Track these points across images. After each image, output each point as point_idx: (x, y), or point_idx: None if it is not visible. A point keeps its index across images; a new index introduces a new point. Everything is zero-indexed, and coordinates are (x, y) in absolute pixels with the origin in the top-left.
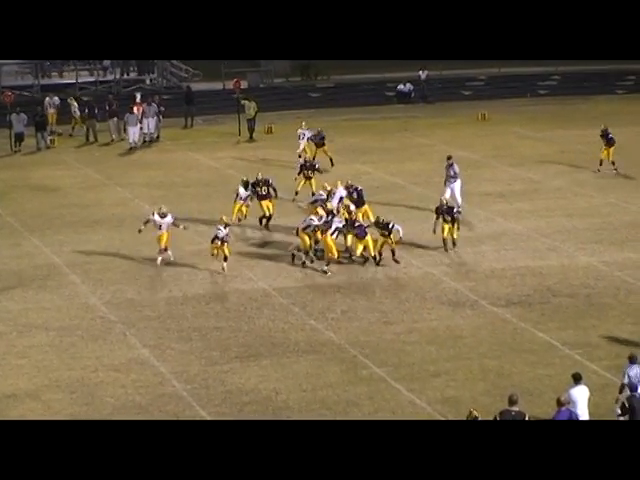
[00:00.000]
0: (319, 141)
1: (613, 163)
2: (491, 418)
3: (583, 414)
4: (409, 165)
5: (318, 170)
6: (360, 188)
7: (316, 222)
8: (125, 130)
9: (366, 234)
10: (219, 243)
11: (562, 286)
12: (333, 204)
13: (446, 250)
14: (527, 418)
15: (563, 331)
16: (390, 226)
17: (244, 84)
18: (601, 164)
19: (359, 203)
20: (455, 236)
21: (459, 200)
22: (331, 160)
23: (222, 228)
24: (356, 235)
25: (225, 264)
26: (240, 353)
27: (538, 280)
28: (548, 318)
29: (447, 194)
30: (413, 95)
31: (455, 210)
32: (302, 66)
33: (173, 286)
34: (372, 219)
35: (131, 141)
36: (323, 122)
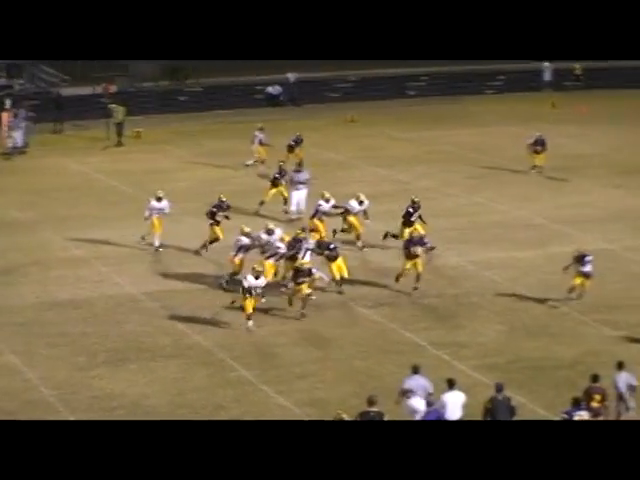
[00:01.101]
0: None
1: (535, 167)
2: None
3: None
4: None
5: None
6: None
7: (283, 250)
8: None
9: (338, 255)
10: (248, 295)
11: (430, 286)
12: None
13: None
14: (385, 418)
15: (431, 331)
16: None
17: (113, 88)
18: (534, 168)
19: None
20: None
21: (302, 207)
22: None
23: (243, 238)
24: (327, 257)
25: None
26: (108, 358)
27: (406, 281)
28: (416, 319)
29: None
30: (282, 97)
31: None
32: (171, 69)
33: (40, 292)
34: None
35: (12, 145)
36: (192, 126)
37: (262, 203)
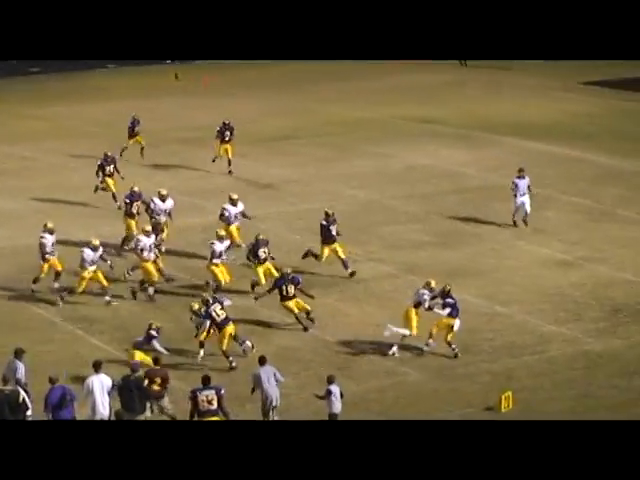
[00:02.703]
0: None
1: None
2: None
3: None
4: None
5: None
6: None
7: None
8: None
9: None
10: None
11: (63, 261)
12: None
13: None
14: (21, 397)
15: (63, 306)
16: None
17: None
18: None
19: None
20: None
21: None
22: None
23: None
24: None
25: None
26: None
27: (38, 256)
28: (46, 294)
29: None
30: None
31: None
32: None
33: None
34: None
35: None
36: None
37: None
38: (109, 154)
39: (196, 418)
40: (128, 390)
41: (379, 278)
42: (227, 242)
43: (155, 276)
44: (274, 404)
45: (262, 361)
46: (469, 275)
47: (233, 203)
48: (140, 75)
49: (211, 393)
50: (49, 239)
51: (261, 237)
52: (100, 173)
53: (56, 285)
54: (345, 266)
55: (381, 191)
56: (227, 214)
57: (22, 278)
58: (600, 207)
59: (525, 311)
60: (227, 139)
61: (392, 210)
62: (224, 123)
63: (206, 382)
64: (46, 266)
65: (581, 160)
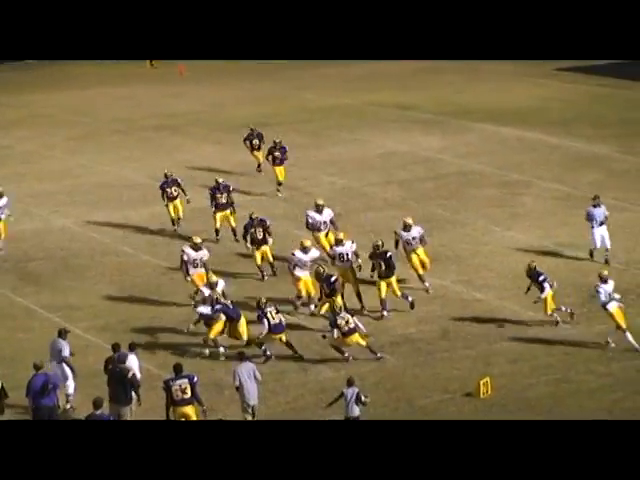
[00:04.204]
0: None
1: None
2: None
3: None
4: None
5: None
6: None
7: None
8: None
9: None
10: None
11: (37, 250)
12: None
13: None
14: (0, 384)
15: (40, 294)
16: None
17: None
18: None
19: None
20: None
21: None
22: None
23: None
24: None
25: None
26: None
27: (15, 245)
28: (25, 283)
29: None
30: None
31: None
32: None
33: None
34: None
35: None
36: None
37: None
38: (168, 173)
39: (171, 408)
40: (114, 381)
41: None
42: (314, 252)
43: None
44: (252, 403)
45: (241, 357)
46: (446, 261)
47: (318, 210)
48: (116, 63)
49: (184, 382)
50: None
51: (255, 216)
52: (165, 197)
53: None
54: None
55: (358, 178)
56: (311, 221)
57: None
58: (577, 193)
59: (502, 297)
60: (257, 147)
61: (370, 197)
62: (251, 130)
63: (178, 371)
64: None
65: (557, 146)
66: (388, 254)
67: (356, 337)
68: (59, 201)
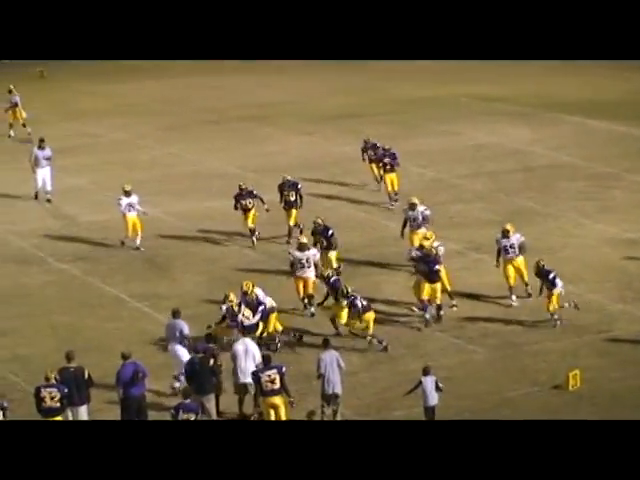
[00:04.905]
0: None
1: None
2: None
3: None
4: None
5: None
6: None
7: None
8: None
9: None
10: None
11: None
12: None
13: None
14: (86, 373)
15: (130, 284)
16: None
17: None
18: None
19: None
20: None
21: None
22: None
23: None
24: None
25: None
26: None
27: (104, 234)
28: (114, 272)
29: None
30: None
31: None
32: None
33: None
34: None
35: None
36: None
37: None
38: (243, 185)
39: (260, 398)
40: (198, 371)
41: (446, 257)
42: (312, 251)
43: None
44: (333, 391)
45: (326, 344)
46: (535, 254)
47: (412, 208)
48: None
49: (273, 372)
50: (124, 201)
51: (244, 186)
52: (239, 208)
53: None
54: None
55: (447, 169)
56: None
57: (90, 255)
58: None
59: (591, 289)
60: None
61: (458, 188)
62: (365, 141)
63: (267, 361)
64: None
65: None
66: (330, 231)
67: (372, 315)
68: (149, 190)
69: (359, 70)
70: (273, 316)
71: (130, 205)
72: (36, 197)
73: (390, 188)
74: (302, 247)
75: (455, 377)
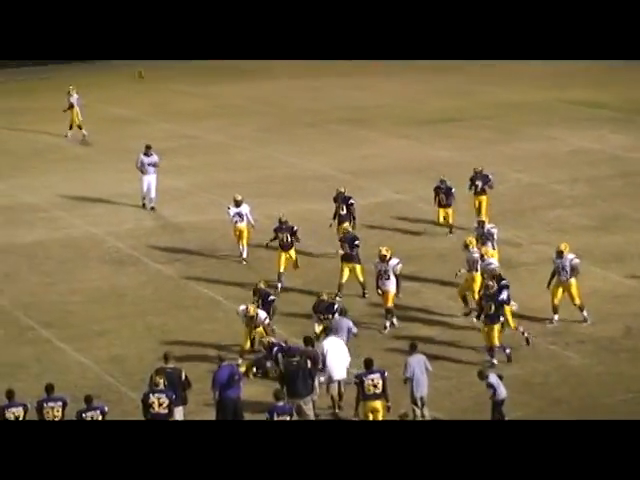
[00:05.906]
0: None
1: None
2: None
3: None
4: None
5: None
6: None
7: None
8: None
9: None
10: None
11: (224, 241)
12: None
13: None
14: (183, 374)
15: (225, 285)
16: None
17: None
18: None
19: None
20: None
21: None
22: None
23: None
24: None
25: None
26: None
27: (200, 235)
28: (210, 273)
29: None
30: None
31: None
32: None
33: None
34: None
35: None
36: None
37: None
38: (284, 220)
39: (361, 401)
40: (294, 374)
41: (543, 262)
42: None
43: None
44: (420, 394)
45: (413, 348)
46: (632, 260)
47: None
48: None
49: (376, 377)
50: (232, 210)
51: (343, 190)
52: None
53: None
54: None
55: (545, 175)
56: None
57: (186, 257)
58: None
59: None
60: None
61: (556, 194)
62: (441, 181)
63: (369, 365)
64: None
65: None
66: (294, 228)
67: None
68: (246, 192)
69: (454, 73)
70: None
71: (239, 215)
72: (143, 205)
73: (450, 220)
74: (383, 258)
75: (550, 383)
